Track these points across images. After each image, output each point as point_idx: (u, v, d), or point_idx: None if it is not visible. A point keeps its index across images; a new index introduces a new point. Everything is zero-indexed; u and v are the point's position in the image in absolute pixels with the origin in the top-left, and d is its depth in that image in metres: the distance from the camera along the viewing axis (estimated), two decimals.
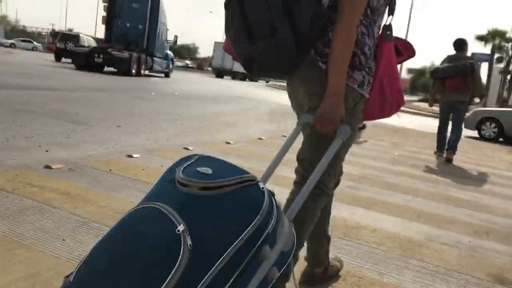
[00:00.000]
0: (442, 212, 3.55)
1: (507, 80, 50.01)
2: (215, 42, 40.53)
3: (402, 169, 5.30)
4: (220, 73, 39.64)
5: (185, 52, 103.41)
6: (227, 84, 25.94)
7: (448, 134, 6.85)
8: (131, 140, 4.79)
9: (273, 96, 18.45)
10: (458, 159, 6.74)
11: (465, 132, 12.85)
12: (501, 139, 12.05)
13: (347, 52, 1.51)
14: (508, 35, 39.19)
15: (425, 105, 21.53)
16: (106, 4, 20.14)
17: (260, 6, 1.46)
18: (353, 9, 1.50)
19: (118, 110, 7.20)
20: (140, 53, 19.21)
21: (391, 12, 1.70)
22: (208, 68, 58.23)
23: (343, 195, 3.48)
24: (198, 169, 1.13)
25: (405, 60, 1.86)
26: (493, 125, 12.11)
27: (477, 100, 7.17)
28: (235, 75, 39.22)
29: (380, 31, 1.70)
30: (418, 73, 79.51)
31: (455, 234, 3.01)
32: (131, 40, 19.65)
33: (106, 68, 18.78)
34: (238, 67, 34.75)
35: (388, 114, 1.80)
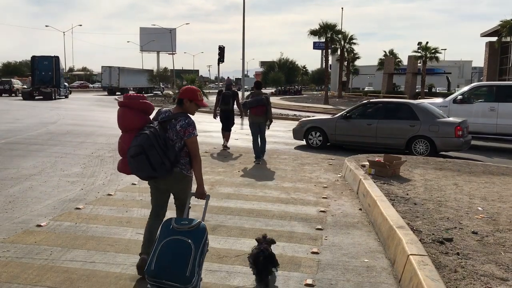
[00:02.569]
0: None
1: (344, 66, 54.78)
2: (102, 66, 55.00)
3: None
4: (110, 90, 52.72)
5: (27, 68, 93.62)
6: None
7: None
8: None
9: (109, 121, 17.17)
10: (275, 188, 6.62)
11: (296, 142, 13.33)
12: (328, 143, 12.63)
13: (200, 168, 3.86)
14: (337, 28, 42.31)
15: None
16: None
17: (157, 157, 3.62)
18: (197, 153, 3.86)
19: None
20: (53, 88, 38.23)
21: None
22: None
23: None
24: (183, 222, 3.46)
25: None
26: (318, 134, 12.63)
27: (268, 122, 10.18)
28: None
29: None
30: (268, 66, 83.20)
31: None
32: (46, 81, 38.80)
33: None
34: (125, 85, 53.51)
35: None
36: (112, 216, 5.71)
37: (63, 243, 4.68)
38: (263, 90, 10.89)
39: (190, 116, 3.90)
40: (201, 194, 3.86)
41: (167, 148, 3.67)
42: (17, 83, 44.91)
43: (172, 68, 63.57)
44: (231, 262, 4.33)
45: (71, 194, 6.72)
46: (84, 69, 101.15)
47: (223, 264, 4.26)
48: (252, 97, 10.11)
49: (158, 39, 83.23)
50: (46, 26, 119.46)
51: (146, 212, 5.87)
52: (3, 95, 41.74)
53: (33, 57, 39.99)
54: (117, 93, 52.34)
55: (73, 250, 4.50)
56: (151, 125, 3.77)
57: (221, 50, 31.14)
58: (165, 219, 3.77)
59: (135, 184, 7.48)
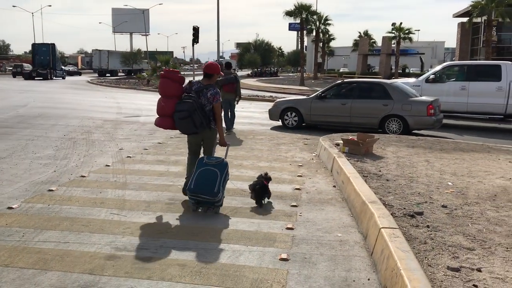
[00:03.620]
0: None
1: (319, 48, 54.78)
2: (92, 50, 62.34)
3: None
4: (100, 72, 58.54)
5: None
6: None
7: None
8: None
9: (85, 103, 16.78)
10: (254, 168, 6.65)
11: (272, 123, 13.37)
12: (304, 124, 12.70)
13: (222, 125, 5.61)
14: (312, 9, 42.16)
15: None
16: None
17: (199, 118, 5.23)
18: (220, 114, 5.52)
19: None
20: (50, 70, 46.64)
21: None
22: (9, 68, 62.99)
23: None
24: (212, 158, 5.29)
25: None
26: (294, 114, 12.68)
27: (237, 98, 11.69)
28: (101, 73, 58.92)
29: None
30: (244, 47, 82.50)
31: None
32: (45, 64, 47.20)
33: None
34: (114, 67, 61.07)
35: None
36: (86, 197, 5.64)
37: (36, 224, 4.62)
38: (239, 73, 12.77)
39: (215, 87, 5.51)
40: (223, 143, 5.56)
41: (204, 112, 5.29)
42: (27, 66, 52.48)
43: (146, 50, 62.45)
44: (206, 239, 4.35)
45: (43, 176, 6.61)
46: None
47: (199, 241, 4.28)
48: (224, 76, 11.23)
49: (130, 20, 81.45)
50: (14, 6, 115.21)
51: (120, 192, 5.85)
52: (17, 76, 49.29)
53: (33, 44, 50.66)
54: (107, 74, 58.79)
55: (46, 231, 4.44)
56: (191, 95, 5.27)
57: (196, 30, 30.65)
58: (198, 157, 5.48)
59: (108, 165, 7.40)
